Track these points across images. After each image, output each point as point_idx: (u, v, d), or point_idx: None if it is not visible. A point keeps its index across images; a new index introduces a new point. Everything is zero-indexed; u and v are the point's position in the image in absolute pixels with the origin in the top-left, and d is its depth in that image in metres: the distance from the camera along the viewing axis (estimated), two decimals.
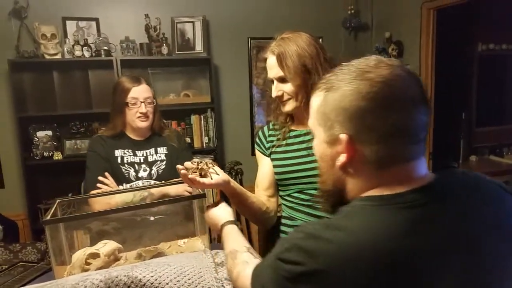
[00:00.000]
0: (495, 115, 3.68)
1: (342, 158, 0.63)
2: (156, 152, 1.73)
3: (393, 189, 0.61)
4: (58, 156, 2.73)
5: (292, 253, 0.60)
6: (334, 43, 3.33)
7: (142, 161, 1.71)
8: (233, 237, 0.97)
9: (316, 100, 0.67)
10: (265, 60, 1.22)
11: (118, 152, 1.69)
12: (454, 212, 0.61)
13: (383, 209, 0.59)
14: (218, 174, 1.10)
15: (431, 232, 0.58)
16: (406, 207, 0.59)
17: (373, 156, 0.61)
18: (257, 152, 1.36)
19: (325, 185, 0.71)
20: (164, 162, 1.72)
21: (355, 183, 0.65)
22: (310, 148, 1.19)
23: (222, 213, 1.09)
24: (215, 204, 1.14)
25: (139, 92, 1.66)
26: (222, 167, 2.84)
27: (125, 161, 1.69)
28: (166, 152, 1.74)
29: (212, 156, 2.95)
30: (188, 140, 2.93)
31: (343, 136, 0.62)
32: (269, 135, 1.32)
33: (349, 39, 3.43)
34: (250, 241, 2.05)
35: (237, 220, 1.09)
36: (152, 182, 1.67)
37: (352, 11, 3.30)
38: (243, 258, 0.84)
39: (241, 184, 1.99)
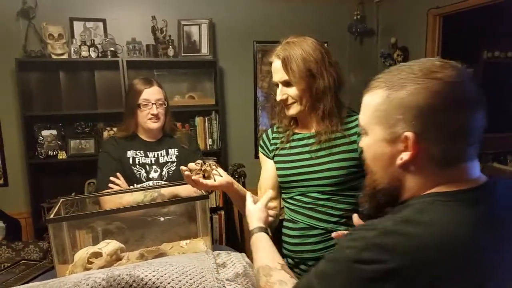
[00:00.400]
0: (499, 122, 3.66)
1: (405, 156, 0.63)
2: (167, 154, 1.75)
3: (453, 187, 0.63)
4: (62, 155, 2.75)
5: (371, 252, 0.58)
6: (340, 48, 3.34)
7: (153, 162, 1.72)
8: (264, 250, 0.90)
9: (374, 98, 0.67)
10: (270, 63, 1.22)
11: (130, 153, 1.71)
12: (501, 213, 0.64)
13: (451, 205, 0.61)
14: (221, 176, 1.10)
15: (488, 230, 0.61)
16: (469, 204, 0.61)
17: (437, 155, 0.62)
18: (260, 155, 1.37)
19: (377, 184, 0.70)
20: (175, 164, 1.74)
21: (415, 181, 0.65)
22: (313, 151, 1.20)
23: (255, 215, 1.02)
24: (254, 201, 1.08)
25: (150, 94, 1.69)
26: (225, 169, 2.84)
27: (137, 162, 1.71)
28: (177, 153, 1.76)
29: (215, 158, 2.96)
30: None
31: (410, 134, 0.62)
32: (273, 138, 1.32)
33: (355, 44, 3.44)
34: None
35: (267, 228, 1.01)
36: (163, 183, 1.68)
37: (358, 17, 3.30)
38: (278, 276, 0.79)
39: (244, 186, 1.99)
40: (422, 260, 0.56)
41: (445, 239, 0.57)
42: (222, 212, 3.02)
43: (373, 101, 0.67)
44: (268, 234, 0.97)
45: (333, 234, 1.00)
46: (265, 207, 1.05)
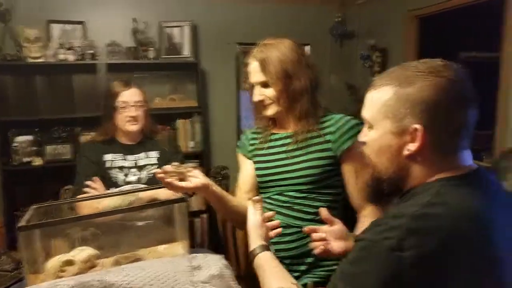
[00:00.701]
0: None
1: (413, 147, 0.69)
2: (147, 156, 1.72)
3: (454, 173, 0.69)
4: (38, 161, 2.66)
5: (411, 237, 0.61)
6: (321, 50, 3.35)
7: (132, 165, 1.69)
8: (273, 270, 0.87)
9: (382, 94, 0.72)
10: (247, 65, 1.23)
11: (108, 157, 1.68)
12: (491, 194, 0.72)
13: (458, 188, 0.67)
14: (198, 178, 1.08)
15: (490, 208, 0.68)
16: (472, 187, 0.68)
17: (441, 145, 0.69)
18: (239, 155, 1.36)
19: (382, 175, 0.75)
20: (156, 166, 1.70)
21: (420, 170, 0.71)
22: (290, 151, 1.22)
23: (254, 232, 0.97)
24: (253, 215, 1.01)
25: (128, 96, 1.67)
26: (209, 171, 2.81)
27: (115, 166, 1.67)
28: (158, 156, 1.73)
29: (198, 161, 2.93)
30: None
31: (418, 126, 0.67)
32: (252, 138, 1.33)
33: (336, 47, 3.46)
34: (235, 245, 2.01)
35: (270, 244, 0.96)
36: (142, 186, 1.65)
37: (339, 19, 3.34)
38: None
39: (227, 189, 1.97)
40: (459, 235, 0.62)
41: (472, 214, 0.64)
42: (205, 215, 2.98)
43: (380, 97, 0.72)
44: (271, 250, 0.93)
45: (305, 229, 1.02)
46: (263, 221, 0.99)
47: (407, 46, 2.96)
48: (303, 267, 1.19)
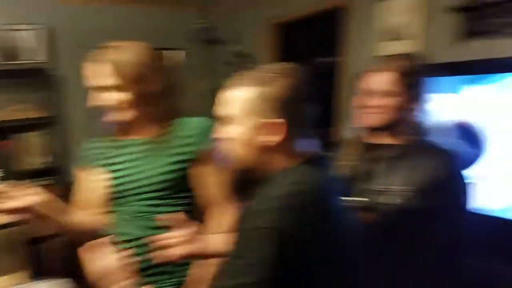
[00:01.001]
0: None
1: (276, 139, 0.77)
2: None
3: (303, 158, 0.81)
4: None
5: (285, 217, 0.69)
6: (187, 55, 3.40)
7: None
8: None
9: (242, 93, 0.79)
10: (90, 67, 1.14)
11: None
12: (328, 174, 0.89)
13: (311, 168, 0.80)
14: (28, 197, 0.96)
15: (329, 185, 0.84)
16: (321, 168, 0.84)
17: (297, 136, 0.80)
18: (80, 169, 1.25)
19: (247, 166, 0.82)
20: None
21: (281, 158, 0.80)
22: (145, 157, 1.16)
23: (113, 280, 0.90)
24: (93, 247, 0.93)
25: None
26: (67, 188, 2.54)
27: None
28: None
29: (52, 178, 2.63)
30: (24, 160, 2.53)
31: (280, 121, 0.76)
32: (99, 147, 1.25)
33: (202, 52, 3.54)
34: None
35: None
36: None
37: (205, 25, 3.42)
38: None
39: None
40: (315, 211, 0.74)
41: (323, 187, 0.80)
42: (59, 239, 2.64)
43: (241, 95, 0.79)
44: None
45: (147, 240, 1.00)
46: (122, 264, 0.94)
47: (269, 51, 3.22)
48: (157, 277, 1.16)
